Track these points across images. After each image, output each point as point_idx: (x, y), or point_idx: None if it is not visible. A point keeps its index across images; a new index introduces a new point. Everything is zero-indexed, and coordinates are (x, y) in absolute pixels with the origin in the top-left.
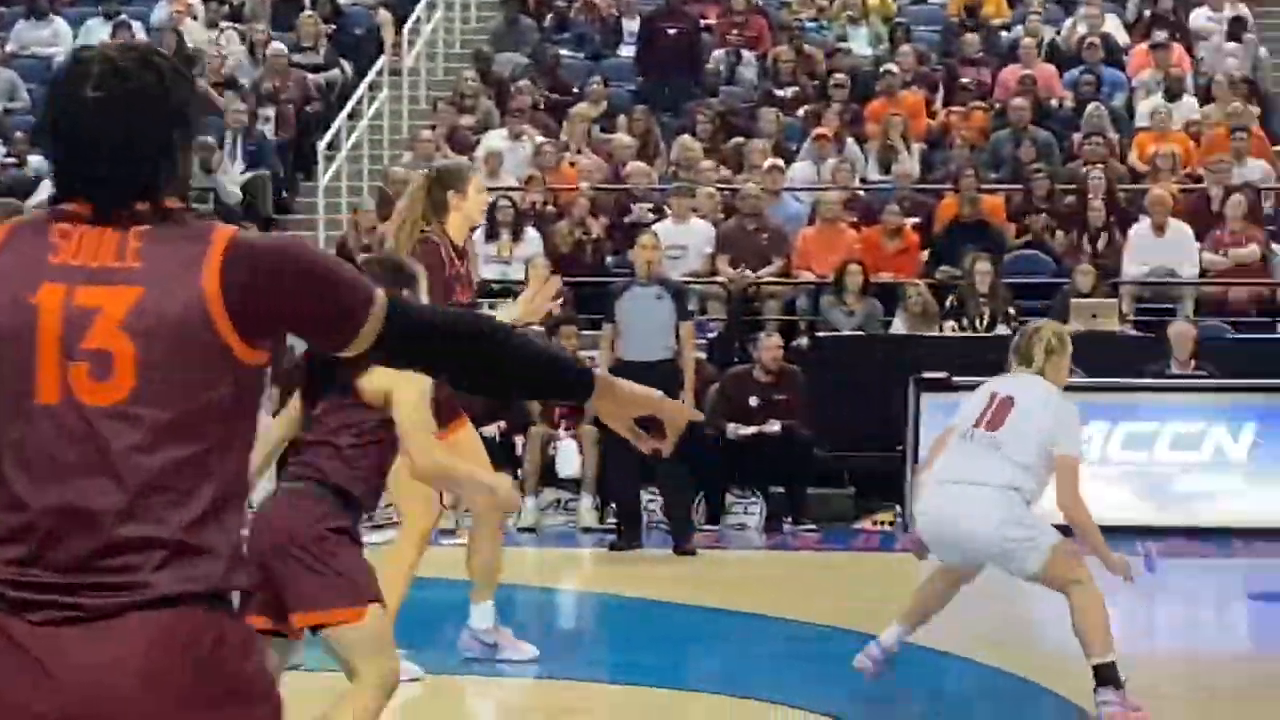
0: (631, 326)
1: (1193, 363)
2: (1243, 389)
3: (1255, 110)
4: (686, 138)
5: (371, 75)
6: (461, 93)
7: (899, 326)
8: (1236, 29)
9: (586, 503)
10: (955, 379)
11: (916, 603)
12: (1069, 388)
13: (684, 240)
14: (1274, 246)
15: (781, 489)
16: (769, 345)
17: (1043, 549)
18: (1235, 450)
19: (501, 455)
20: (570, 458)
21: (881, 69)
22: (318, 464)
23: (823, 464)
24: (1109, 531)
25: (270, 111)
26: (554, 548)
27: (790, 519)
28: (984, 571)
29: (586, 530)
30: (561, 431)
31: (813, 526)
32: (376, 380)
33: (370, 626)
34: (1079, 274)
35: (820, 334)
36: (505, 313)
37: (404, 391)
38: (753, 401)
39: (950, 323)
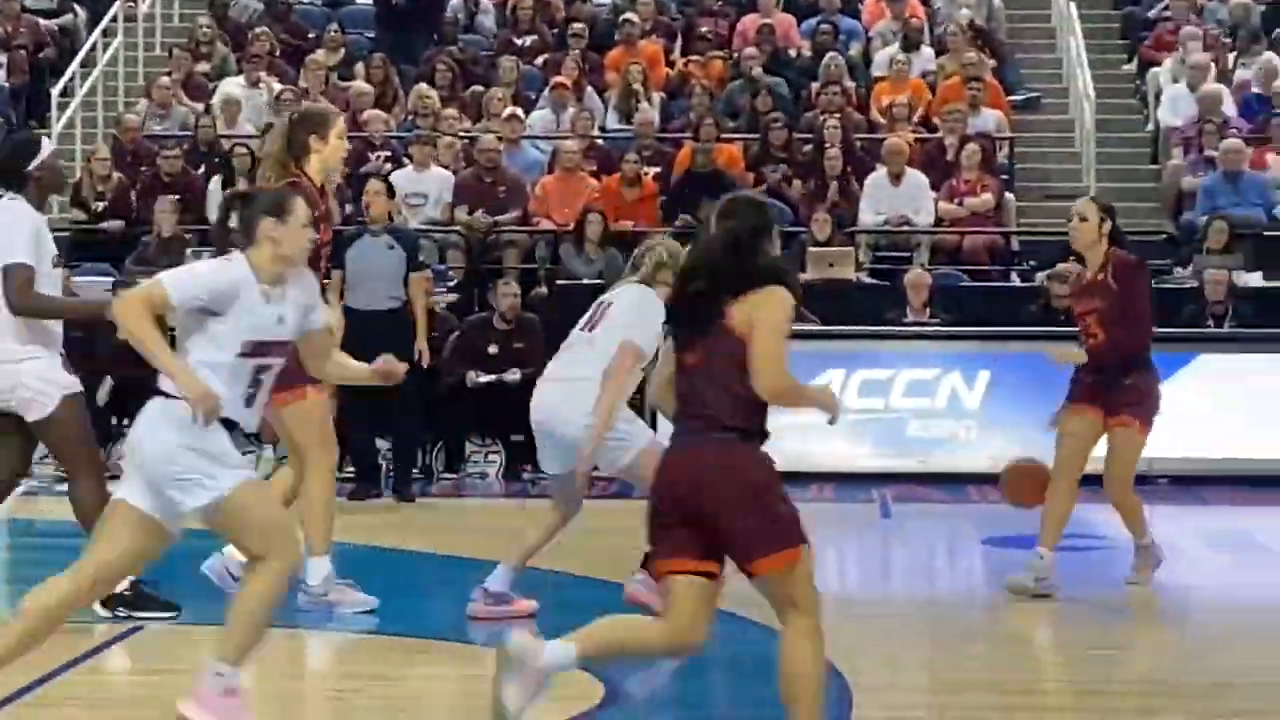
0: (360, 275)
1: (928, 310)
2: (977, 336)
3: (990, 61)
4: (424, 86)
5: (105, 21)
6: (197, 39)
7: None
8: None
9: None
10: None
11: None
12: (803, 335)
13: (424, 189)
14: (1008, 195)
15: (521, 437)
16: (507, 294)
17: (634, 447)
18: (969, 397)
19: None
20: None
21: (621, 18)
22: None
23: None
24: (847, 478)
25: (2, 57)
26: None
27: (530, 467)
28: None
29: None
30: None
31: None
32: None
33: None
34: (816, 223)
35: (560, 282)
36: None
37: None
38: (492, 350)
39: None
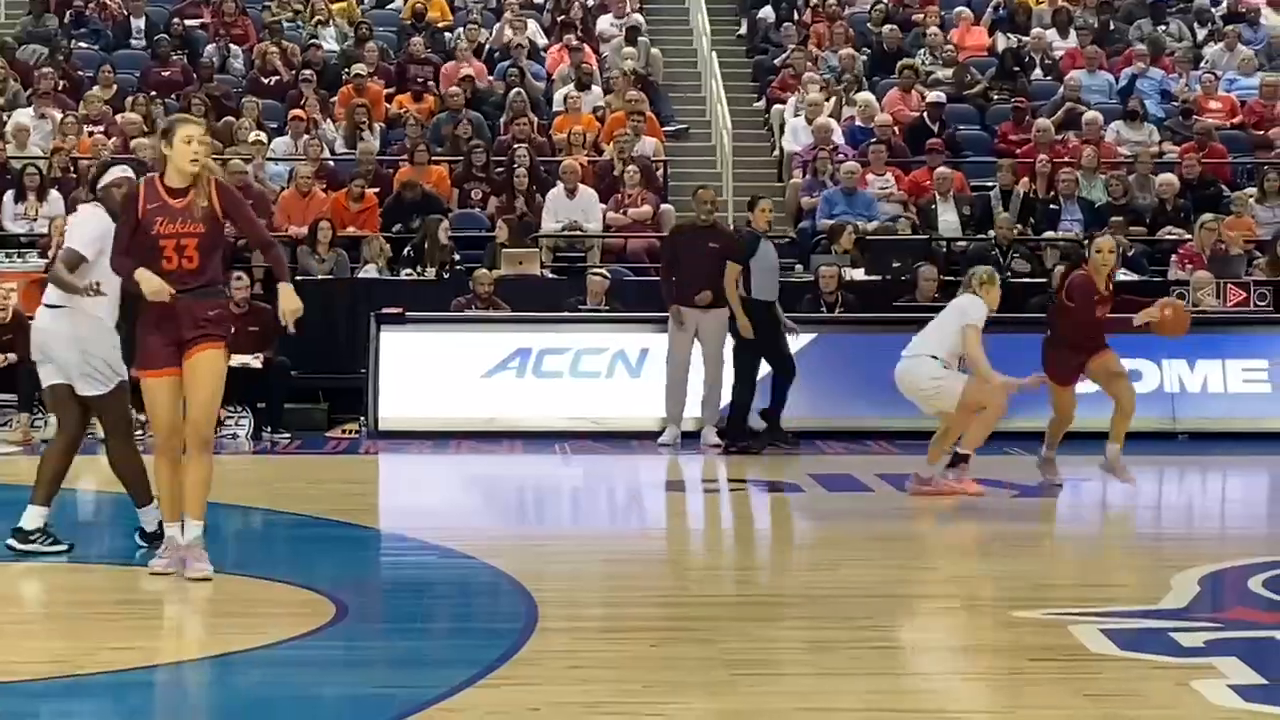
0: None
1: (603, 299)
2: (639, 321)
3: (647, 99)
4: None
5: None
6: None
7: (366, 272)
8: (633, 34)
9: None
10: (409, 314)
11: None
12: (497, 320)
13: None
14: (663, 207)
15: (263, 405)
16: (239, 288)
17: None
18: (633, 369)
19: (3, 380)
20: None
21: (350, 65)
22: None
23: (300, 384)
24: (534, 436)
25: None
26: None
27: (270, 429)
28: None
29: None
30: None
31: (287, 435)
32: None
33: None
34: (503, 229)
35: (299, 278)
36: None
37: None
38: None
39: (406, 270)
